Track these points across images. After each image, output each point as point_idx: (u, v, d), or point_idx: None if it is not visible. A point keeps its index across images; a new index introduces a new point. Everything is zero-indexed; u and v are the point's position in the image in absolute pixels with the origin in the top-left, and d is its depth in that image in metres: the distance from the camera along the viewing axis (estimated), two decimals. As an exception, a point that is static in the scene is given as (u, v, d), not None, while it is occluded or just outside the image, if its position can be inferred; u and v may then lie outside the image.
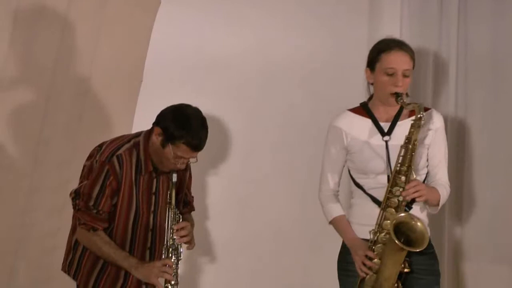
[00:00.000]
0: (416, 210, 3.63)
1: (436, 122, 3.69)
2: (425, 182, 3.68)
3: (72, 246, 3.78)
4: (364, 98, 3.78)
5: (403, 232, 3.52)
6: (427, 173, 3.71)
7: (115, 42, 4.31)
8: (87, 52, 4.29)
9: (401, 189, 3.53)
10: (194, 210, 3.98)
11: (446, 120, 4.29)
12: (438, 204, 3.64)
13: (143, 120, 4.22)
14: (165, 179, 3.72)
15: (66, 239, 4.07)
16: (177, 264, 3.67)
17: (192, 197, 3.98)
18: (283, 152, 4.54)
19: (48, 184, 4.24)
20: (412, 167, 3.54)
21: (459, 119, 4.39)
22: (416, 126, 3.52)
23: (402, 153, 3.54)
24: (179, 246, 3.69)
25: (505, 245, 4.29)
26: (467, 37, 4.39)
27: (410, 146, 3.53)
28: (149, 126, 3.77)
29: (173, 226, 3.68)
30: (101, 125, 4.31)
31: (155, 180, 3.71)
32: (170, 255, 3.67)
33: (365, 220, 3.61)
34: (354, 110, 3.73)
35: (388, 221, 3.53)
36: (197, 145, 3.59)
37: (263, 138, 4.52)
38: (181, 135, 3.57)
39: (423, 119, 3.52)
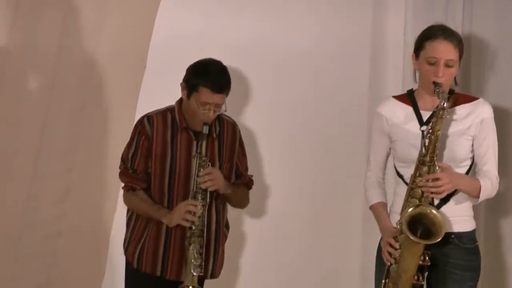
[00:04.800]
0: (456, 201, 3.60)
1: (482, 113, 3.63)
2: (469, 174, 3.65)
3: (126, 226, 3.96)
4: (368, 87, 3.79)
5: (424, 224, 3.51)
6: (472, 165, 3.66)
7: (118, 29, 4.35)
8: (90, 38, 4.33)
9: (424, 180, 3.51)
10: (250, 187, 4.08)
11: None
12: (478, 196, 3.59)
13: (146, 107, 4.27)
14: (209, 146, 3.85)
15: (69, 226, 4.18)
16: (204, 208, 3.78)
17: (250, 175, 4.07)
18: (286, 143, 4.55)
19: (52, 171, 4.30)
20: (436, 158, 3.51)
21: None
22: (438, 116, 3.49)
23: (426, 143, 3.52)
24: (207, 191, 3.80)
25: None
26: (472, 26, 4.37)
27: (433, 137, 3.50)
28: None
29: (199, 172, 3.79)
30: (104, 112, 4.36)
31: (194, 143, 3.85)
32: (196, 199, 3.78)
33: None
34: (398, 97, 3.72)
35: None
36: (217, 86, 3.77)
37: (266, 128, 4.53)
38: (200, 79, 3.79)
39: (446, 109, 3.47)
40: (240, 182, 4.02)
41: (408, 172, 3.60)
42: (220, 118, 3.94)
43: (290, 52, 4.49)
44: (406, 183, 3.61)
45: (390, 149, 3.73)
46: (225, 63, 4.41)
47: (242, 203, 4.06)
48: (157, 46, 4.43)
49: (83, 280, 4.37)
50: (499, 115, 4.22)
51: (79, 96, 4.33)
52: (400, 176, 3.67)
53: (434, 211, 3.51)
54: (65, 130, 4.30)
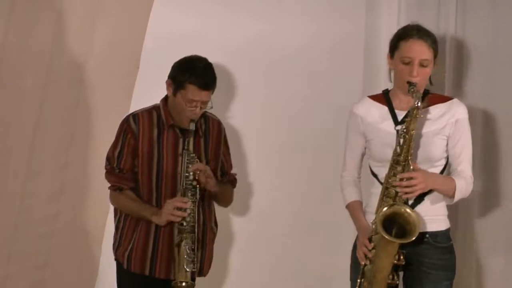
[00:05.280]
0: (430, 200, 3.62)
1: (457, 113, 3.66)
2: (444, 173, 3.67)
3: (115, 227, 3.96)
4: (362, 86, 3.79)
5: (398, 223, 3.52)
6: (447, 165, 3.67)
7: (112, 29, 4.36)
8: (84, 38, 4.34)
9: (398, 180, 3.52)
10: (234, 185, 4.09)
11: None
12: (453, 196, 3.60)
13: (140, 107, 4.27)
14: (196, 143, 3.85)
15: (64, 225, 4.17)
16: (194, 204, 3.79)
17: (234, 173, 4.08)
18: (283, 143, 4.56)
19: (46, 169, 4.32)
20: (410, 157, 3.52)
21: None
22: (413, 116, 3.50)
23: (400, 143, 3.53)
24: (196, 187, 3.80)
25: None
26: (465, 26, 4.38)
27: (407, 136, 3.51)
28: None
29: (188, 168, 3.80)
30: (98, 112, 4.36)
31: (181, 140, 3.85)
32: (186, 196, 3.79)
33: None
34: (374, 97, 3.75)
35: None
36: (203, 83, 3.79)
37: (262, 129, 4.56)
38: (186, 76, 3.79)
39: (420, 108, 3.49)
40: (226, 180, 4.02)
41: (382, 171, 3.62)
42: (205, 116, 3.95)
43: (283, 51, 4.52)
44: (381, 183, 3.62)
45: (365, 148, 3.75)
46: (218, 62, 4.44)
47: (227, 201, 4.07)
48: (150, 47, 4.45)
49: (77, 279, 4.39)
50: (491, 116, 4.27)
51: (72, 95, 4.34)
52: (375, 175, 3.69)
53: (408, 210, 3.51)
54: (58, 129, 4.31)
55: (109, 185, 3.93)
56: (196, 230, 3.80)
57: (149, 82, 4.42)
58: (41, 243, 4.30)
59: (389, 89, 3.73)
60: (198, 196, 3.81)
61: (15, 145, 4.25)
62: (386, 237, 3.45)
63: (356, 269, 3.65)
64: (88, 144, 4.37)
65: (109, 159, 3.91)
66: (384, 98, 3.70)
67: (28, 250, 4.27)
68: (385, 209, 3.51)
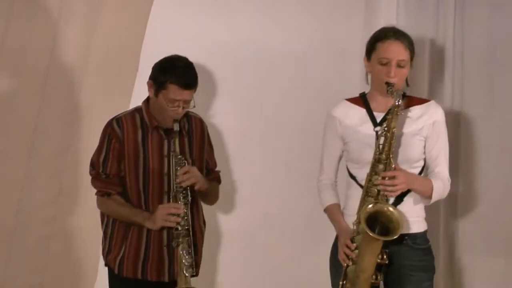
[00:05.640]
0: (409, 202, 3.65)
1: (434, 115, 3.70)
2: (422, 175, 3.70)
3: (103, 233, 3.92)
4: (358, 87, 3.80)
5: (381, 222, 3.54)
6: (425, 167, 3.72)
7: (110, 32, 4.37)
8: (83, 41, 4.35)
9: (380, 178, 3.55)
10: (220, 182, 4.07)
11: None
12: (430, 197, 3.64)
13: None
14: (180, 143, 3.83)
15: (62, 227, 4.15)
16: (186, 206, 3.76)
17: (218, 170, 4.07)
18: (280, 142, 4.58)
19: (44, 172, 4.31)
20: (392, 155, 3.55)
21: (455, 111, 4.41)
22: (394, 114, 3.54)
23: (381, 142, 3.56)
24: (187, 189, 3.78)
25: (501, 239, 4.31)
26: (464, 27, 4.41)
27: (389, 134, 3.55)
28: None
29: (176, 171, 3.77)
30: (97, 114, 4.35)
31: (165, 141, 3.82)
32: (178, 200, 3.77)
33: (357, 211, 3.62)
34: (352, 100, 3.78)
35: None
36: (184, 82, 3.75)
37: (259, 129, 4.56)
38: (167, 76, 3.76)
39: (401, 106, 3.53)
40: (211, 178, 4.00)
41: (361, 173, 3.65)
42: (187, 115, 3.93)
43: (281, 54, 4.53)
44: (360, 185, 3.66)
45: (342, 151, 3.76)
46: (217, 65, 4.47)
47: (214, 198, 4.05)
48: (149, 49, 4.44)
49: (75, 282, 4.37)
50: (490, 118, 4.29)
51: (71, 98, 4.34)
52: (353, 177, 3.71)
53: (391, 209, 3.54)
54: (57, 132, 4.31)
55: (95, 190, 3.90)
56: (191, 233, 3.78)
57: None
58: (39, 246, 4.29)
59: (366, 92, 3.77)
60: (189, 198, 3.79)
61: (14, 148, 4.25)
62: (371, 234, 3.46)
63: (336, 272, 3.68)
64: (86, 147, 4.34)
65: (93, 164, 3.87)
66: (362, 100, 3.73)
67: (26, 253, 4.26)
68: (370, 206, 3.53)
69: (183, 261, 3.73)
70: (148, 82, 3.84)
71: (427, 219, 3.75)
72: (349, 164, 3.74)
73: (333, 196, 3.78)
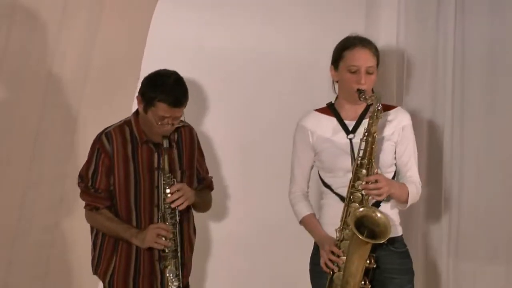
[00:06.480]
0: (386, 207, 3.68)
1: (403, 120, 3.74)
2: (395, 180, 3.73)
3: (92, 244, 3.92)
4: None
5: (367, 227, 3.56)
6: (396, 171, 3.74)
7: (112, 39, 4.38)
8: (84, 48, 4.36)
9: (363, 183, 3.57)
10: (212, 188, 4.05)
11: (442, 119, 4.37)
12: (406, 201, 3.68)
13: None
14: (169, 156, 3.80)
15: (63, 234, 4.15)
16: (174, 226, 3.75)
17: (210, 176, 4.04)
18: (279, 149, 4.56)
19: (45, 179, 4.32)
20: (373, 160, 3.58)
21: (455, 118, 4.43)
22: (374, 118, 3.56)
23: (362, 147, 3.58)
24: (176, 209, 3.76)
25: (494, 243, 4.33)
26: (464, 36, 4.42)
27: (370, 139, 3.57)
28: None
29: (166, 190, 3.75)
30: (98, 121, 4.35)
31: (156, 154, 3.79)
32: (165, 220, 3.75)
33: (335, 219, 3.63)
34: (320, 110, 3.80)
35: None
36: (173, 100, 3.69)
37: (259, 135, 4.58)
38: (156, 94, 3.70)
39: (380, 110, 3.56)
40: (202, 186, 3.98)
41: (336, 181, 3.69)
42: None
43: (282, 58, 4.55)
44: (336, 193, 3.67)
45: (314, 161, 3.77)
46: (218, 73, 4.47)
47: (206, 206, 4.03)
48: (150, 57, 4.45)
49: (76, 290, 4.41)
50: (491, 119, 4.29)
51: (72, 105, 4.35)
52: (328, 186, 3.72)
53: (377, 213, 3.57)
54: (57, 140, 4.32)
55: (84, 203, 3.89)
56: (179, 254, 3.76)
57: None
58: (40, 253, 4.30)
59: (333, 101, 3.78)
60: (178, 218, 3.76)
61: (15, 155, 4.26)
62: (361, 238, 3.48)
63: (318, 282, 3.69)
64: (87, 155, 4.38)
65: (81, 177, 3.84)
66: (330, 110, 3.76)
67: (27, 259, 4.27)
68: (360, 210, 3.54)
69: (170, 284, 3.74)
70: (137, 97, 3.79)
71: (406, 224, 3.84)
72: (322, 173, 3.76)
73: (307, 206, 3.78)
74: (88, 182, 3.82)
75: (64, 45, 4.31)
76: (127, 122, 3.85)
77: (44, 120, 4.29)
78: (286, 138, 4.38)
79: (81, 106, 4.37)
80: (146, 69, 4.41)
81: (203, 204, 3.98)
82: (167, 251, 3.74)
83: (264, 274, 4.58)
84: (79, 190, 4.17)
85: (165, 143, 3.73)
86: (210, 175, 4.07)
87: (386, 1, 4.53)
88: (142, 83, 3.79)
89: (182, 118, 3.85)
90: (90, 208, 3.85)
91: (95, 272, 3.90)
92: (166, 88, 3.69)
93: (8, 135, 4.26)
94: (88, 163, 3.84)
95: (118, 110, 4.38)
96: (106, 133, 3.83)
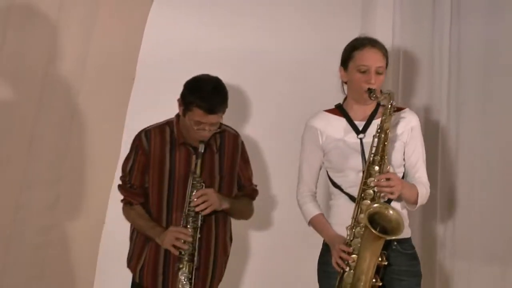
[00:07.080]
0: (396, 206, 3.66)
1: (412, 121, 3.75)
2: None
3: (130, 239, 3.94)
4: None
5: (379, 223, 3.54)
6: (405, 172, 3.73)
7: (107, 40, 4.38)
8: (80, 49, 4.36)
9: (376, 180, 3.56)
10: (253, 198, 4.02)
11: (438, 120, 4.37)
12: (416, 202, 3.67)
13: (135, 118, 4.31)
14: (207, 161, 3.81)
15: (59, 235, 4.16)
16: (195, 231, 3.74)
17: (254, 185, 4.02)
18: (276, 151, 4.59)
19: (41, 180, 4.31)
20: (386, 156, 3.58)
21: (451, 119, 4.43)
22: (387, 114, 3.57)
23: (375, 143, 3.59)
24: (199, 214, 3.75)
25: (493, 244, 4.33)
26: (460, 37, 4.43)
27: (383, 135, 3.57)
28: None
29: (192, 194, 3.76)
30: (93, 123, 4.37)
31: (194, 157, 3.79)
32: (187, 223, 3.75)
33: (345, 219, 3.63)
34: (329, 111, 3.80)
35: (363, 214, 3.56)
36: (209, 107, 3.69)
37: (256, 137, 4.56)
38: (193, 99, 3.71)
39: (394, 106, 3.57)
40: (241, 194, 3.96)
41: (346, 181, 3.68)
42: (222, 130, 3.88)
43: (279, 62, 4.56)
44: (346, 193, 3.67)
45: (323, 162, 3.77)
46: (214, 73, 4.43)
47: (243, 215, 4.00)
48: (146, 58, 4.47)
49: (72, 291, 4.40)
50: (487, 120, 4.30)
51: (68, 106, 4.35)
52: (337, 186, 3.71)
53: (390, 210, 3.55)
54: (53, 141, 4.31)
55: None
56: (195, 258, 3.75)
57: (144, 93, 4.46)
58: (36, 255, 4.29)
59: (341, 103, 3.79)
60: (199, 223, 3.75)
61: (11, 156, 4.23)
62: (375, 232, 3.46)
63: (327, 283, 3.67)
64: (83, 156, 4.37)
65: (124, 171, 3.89)
66: (339, 111, 3.76)
67: (23, 261, 4.26)
68: (375, 205, 3.53)
69: (180, 287, 3.72)
70: (178, 100, 3.79)
71: (413, 225, 3.84)
72: (331, 173, 3.75)
73: (316, 207, 3.77)
74: (126, 177, 3.87)
75: (60, 46, 4.29)
76: (169, 122, 3.88)
77: (40, 121, 4.27)
78: (286, 138, 4.41)
79: (77, 106, 4.36)
80: (142, 68, 4.46)
81: (238, 212, 3.95)
82: (183, 253, 3.74)
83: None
84: (75, 191, 4.19)
85: (201, 148, 3.74)
86: (255, 183, 4.04)
87: (382, 1, 4.55)
88: (184, 86, 3.79)
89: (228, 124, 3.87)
90: (125, 202, 3.89)
91: (128, 265, 3.91)
92: (203, 94, 3.69)
93: (4, 135, 4.23)
94: (127, 158, 3.89)
95: (115, 110, 4.41)
96: (145, 131, 3.86)
